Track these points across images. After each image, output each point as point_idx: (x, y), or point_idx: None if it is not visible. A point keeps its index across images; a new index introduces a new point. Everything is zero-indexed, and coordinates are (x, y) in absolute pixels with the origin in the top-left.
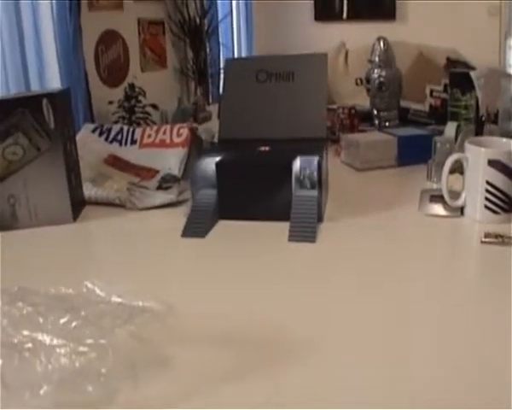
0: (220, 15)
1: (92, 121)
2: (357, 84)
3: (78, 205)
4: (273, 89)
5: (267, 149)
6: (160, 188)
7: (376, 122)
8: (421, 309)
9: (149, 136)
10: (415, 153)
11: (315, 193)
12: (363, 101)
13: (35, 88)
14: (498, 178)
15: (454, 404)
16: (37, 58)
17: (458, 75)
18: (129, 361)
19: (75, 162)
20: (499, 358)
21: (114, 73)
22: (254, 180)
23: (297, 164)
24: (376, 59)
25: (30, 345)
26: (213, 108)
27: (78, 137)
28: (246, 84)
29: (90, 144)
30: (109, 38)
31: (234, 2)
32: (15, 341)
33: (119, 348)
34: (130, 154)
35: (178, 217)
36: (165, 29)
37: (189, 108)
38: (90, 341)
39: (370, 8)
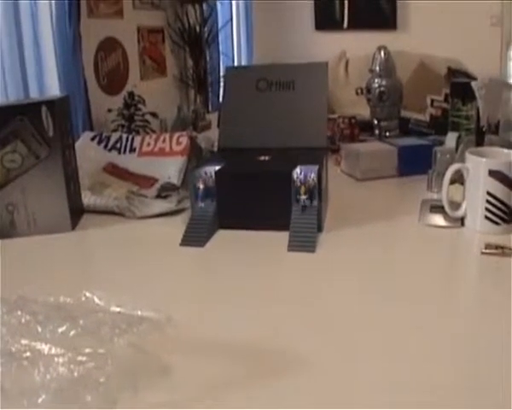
0: (220, 23)
1: (91, 129)
2: (357, 93)
3: (77, 213)
4: (273, 98)
5: (267, 158)
6: (159, 196)
7: (377, 132)
8: (422, 320)
9: (148, 144)
10: (415, 163)
11: (315, 203)
12: (363, 110)
13: (34, 95)
14: (499, 189)
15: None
16: (37, 65)
17: (459, 85)
18: (128, 371)
19: (74, 170)
20: (499, 367)
21: (114, 81)
22: (254, 189)
23: (297, 173)
24: (377, 68)
25: (28, 354)
26: (213, 117)
27: (77, 145)
28: (246, 92)
29: (88, 152)
30: (109, 46)
31: (234, 11)
32: (14, 349)
33: (117, 357)
34: (129, 162)
35: (177, 226)
36: (165, 37)
37: (189, 116)
38: (88, 350)
39: (371, 18)
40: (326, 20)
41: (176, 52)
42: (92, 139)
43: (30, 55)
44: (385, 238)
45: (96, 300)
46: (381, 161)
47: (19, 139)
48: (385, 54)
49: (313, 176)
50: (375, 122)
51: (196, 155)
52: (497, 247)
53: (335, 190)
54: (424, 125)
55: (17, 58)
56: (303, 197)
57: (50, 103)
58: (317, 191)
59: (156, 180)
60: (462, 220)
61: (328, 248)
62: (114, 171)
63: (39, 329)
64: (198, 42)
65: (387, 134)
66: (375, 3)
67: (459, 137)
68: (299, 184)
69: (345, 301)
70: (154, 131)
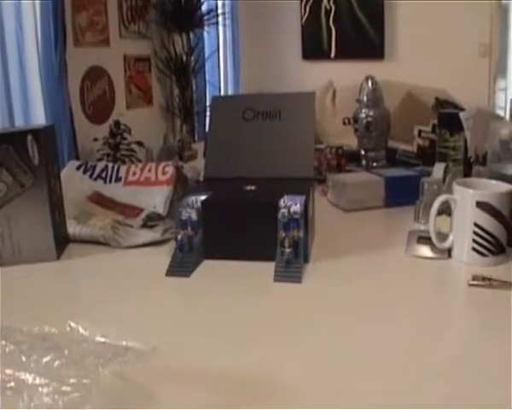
0: (207, 53)
1: (77, 158)
2: (344, 123)
3: (62, 243)
4: (260, 127)
5: (253, 188)
6: (144, 226)
7: (364, 162)
8: (408, 353)
9: (134, 173)
10: (402, 194)
11: (301, 233)
12: (350, 141)
13: (19, 124)
14: (486, 220)
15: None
16: (22, 93)
17: (447, 116)
18: (113, 401)
19: (59, 199)
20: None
21: (99, 110)
22: (240, 220)
23: (283, 204)
24: (364, 98)
25: (12, 384)
26: (199, 147)
27: (62, 174)
28: (232, 122)
29: (74, 181)
30: (95, 75)
31: (221, 40)
32: None
33: (102, 387)
34: (114, 191)
35: (163, 256)
36: (152, 66)
37: (175, 145)
38: (73, 380)
39: (358, 47)
40: (313, 49)
41: (162, 81)
42: (78, 168)
43: (15, 84)
44: (371, 269)
45: (81, 330)
46: (367, 191)
47: (4, 168)
48: (372, 84)
49: (299, 206)
50: (363, 152)
51: (182, 185)
52: (484, 278)
53: (322, 220)
54: (411, 156)
55: (2, 87)
56: (287, 251)
57: (36, 132)
58: (304, 222)
59: (142, 210)
60: (449, 252)
61: (314, 279)
62: (100, 200)
63: (23, 359)
64: (184, 71)
65: (374, 164)
66: (362, 33)
67: (447, 168)
68: (285, 214)
69: (331, 332)
70: (139, 161)
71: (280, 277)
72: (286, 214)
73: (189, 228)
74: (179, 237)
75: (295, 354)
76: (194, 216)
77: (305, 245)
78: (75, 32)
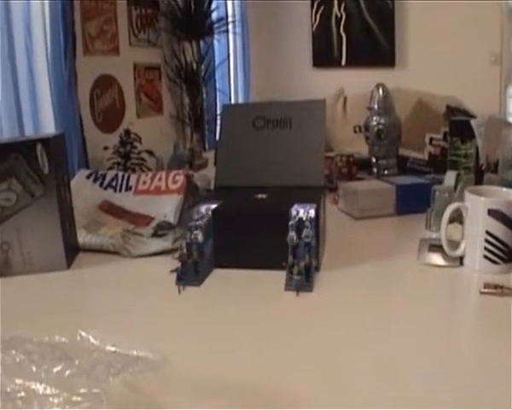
0: (217, 61)
1: (87, 167)
2: (355, 131)
3: (72, 252)
4: (270, 136)
5: (264, 196)
6: (155, 235)
7: (375, 170)
8: (419, 361)
9: (144, 182)
10: (414, 202)
11: (312, 242)
12: (361, 148)
13: (29, 133)
14: (498, 228)
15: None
16: (32, 102)
17: (458, 123)
18: None
19: (69, 208)
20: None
21: (109, 119)
22: (251, 228)
23: (294, 212)
24: (375, 106)
25: (23, 394)
26: (209, 155)
27: (72, 183)
28: (243, 130)
29: (84, 190)
30: (105, 83)
31: (231, 48)
32: (8, 389)
33: (112, 397)
34: (124, 200)
35: (173, 265)
36: (162, 74)
37: (185, 154)
38: (83, 390)
39: (369, 55)
40: (324, 57)
41: (172, 89)
42: (88, 177)
43: (25, 93)
44: (383, 278)
45: (92, 339)
46: (379, 199)
47: (14, 177)
48: (383, 91)
49: (311, 215)
50: (374, 160)
51: (192, 194)
52: (495, 286)
53: (333, 229)
54: (423, 164)
55: (12, 96)
56: (296, 278)
57: (46, 141)
58: (315, 230)
59: (152, 219)
60: (460, 260)
61: (325, 287)
62: (110, 209)
63: (34, 368)
64: (195, 79)
65: (386, 172)
66: (373, 40)
67: (458, 176)
68: (296, 222)
69: (342, 341)
70: (150, 170)
71: (291, 286)
72: (295, 239)
73: (195, 252)
74: (179, 266)
75: (306, 363)
76: (200, 238)
77: (316, 254)
78: (85, 41)
